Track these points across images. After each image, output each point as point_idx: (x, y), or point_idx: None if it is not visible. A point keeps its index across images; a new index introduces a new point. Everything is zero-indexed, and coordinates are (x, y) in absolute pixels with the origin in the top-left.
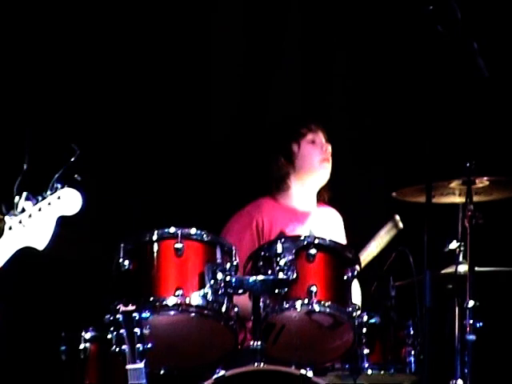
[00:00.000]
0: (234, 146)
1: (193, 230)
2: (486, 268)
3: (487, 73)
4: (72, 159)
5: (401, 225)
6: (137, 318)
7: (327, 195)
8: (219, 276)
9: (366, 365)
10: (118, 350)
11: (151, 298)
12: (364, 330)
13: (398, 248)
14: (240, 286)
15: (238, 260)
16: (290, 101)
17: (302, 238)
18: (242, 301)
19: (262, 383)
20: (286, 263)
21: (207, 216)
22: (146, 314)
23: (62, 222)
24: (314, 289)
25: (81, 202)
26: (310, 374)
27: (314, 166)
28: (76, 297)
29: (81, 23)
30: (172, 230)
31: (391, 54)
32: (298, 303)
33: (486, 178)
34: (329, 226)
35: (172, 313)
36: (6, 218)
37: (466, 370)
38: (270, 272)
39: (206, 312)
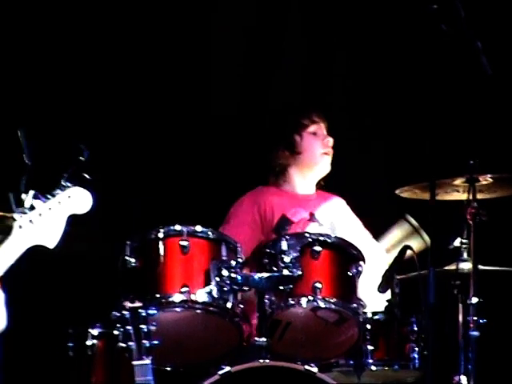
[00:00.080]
0: (234, 145)
1: (198, 228)
2: (490, 267)
3: (490, 71)
4: (81, 158)
5: (413, 222)
6: (143, 315)
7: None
8: (224, 273)
9: (370, 361)
10: (124, 346)
11: (157, 295)
12: (368, 326)
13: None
14: (245, 283)
15: (243, 257)
16: (289, 101)
17: (307, 235)
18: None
19: (267, 379)
20: (291, 260)
21: (208, 209)
22: (152, 311)
23: (69, 219)
24: (318, 285)
25: (91, 202)
26: (314, 369)
27: (316, 158)
28: (83, 293)
29: (82, 24)
30: (177, 227)
31: (391, 53)
32: (304, 300)
33: (489, 176)
34: (333, 212)
35: (178, 309)
36: (16, 215)
37: (470, 366)
38: (275, 269)
39: (211, 309)
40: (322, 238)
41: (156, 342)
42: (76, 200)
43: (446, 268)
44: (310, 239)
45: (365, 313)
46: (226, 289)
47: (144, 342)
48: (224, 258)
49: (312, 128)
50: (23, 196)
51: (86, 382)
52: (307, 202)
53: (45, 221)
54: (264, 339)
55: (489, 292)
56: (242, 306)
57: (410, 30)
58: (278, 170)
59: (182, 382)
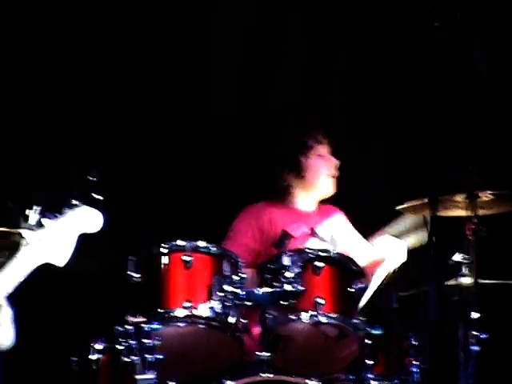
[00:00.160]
0: (234, 147)
1: (201, 243)
2: (490, 281)
3: (486, 73)
4: (92, 178)
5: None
6: (146, 330)
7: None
8: (227, 288)
9: (371, 376)
10: (128, 360)
11: (160, 310)
12: (368, 341)
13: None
14: (247, 298)
15: (244, 257)
16: (289, 101)
17: (309, 251)
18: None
19: None
20: (292, 276)
21: (208, 209)
22: (155, 326)
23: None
24: (320, 301)
25: (102, 221)
26: None
27: (321, 180)
28: (87, 308)
29: (82, 24)
30: (180, 242)
31: (391, 54)
32: (305, 315)
33: (489, 192)
34: (334, 226)
35: (181, 324)
36: (25, 232)
37: (470, 381)
38: (277, 284)
39: (213, 323)
40: (323, 254)
41: (159, 357)
42: (86, 219)
43: (447, 283)
44: (311, 255)
45: (364, 328)
46: (228, 304)
47: (147, 356)
48: (226, 274)
49: (318, 150)
50: (27, 212)
51: None
52: (308, 217)
53: (53, 239)
54: (266, 354)
55: (489, 306)
56: (243, 321)
57: (410, 30)
58: (282, 189)
59: None
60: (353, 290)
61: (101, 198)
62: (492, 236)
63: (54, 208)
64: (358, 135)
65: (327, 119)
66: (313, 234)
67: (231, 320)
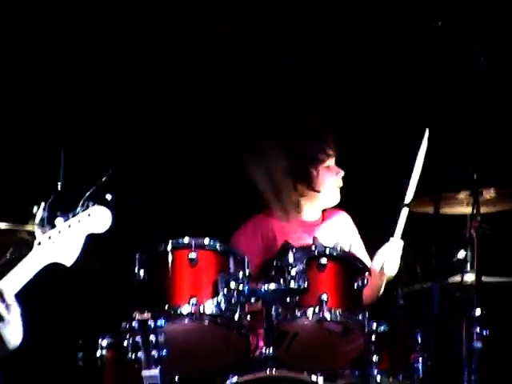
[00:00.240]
0: (234, 147)
1: (206, 240)
2: (492, 278)
3: (486, 73)
4: (103, 178)
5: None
6: (152, 326)
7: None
8: (232, 285)
9: (375, 371)
10: (133, 356)
11: (166, 307)
12: (373, 337)
13: (406, 258)
14: (252, 295)
15: (250, 269)
16: (289, 101)
17: (313, 248)
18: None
19: None
20: (297, 272)
21: (208, 209)
22: (161, 322)
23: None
24: (324, 297)
25: (110, 220)
26: (320, 380)
27: (329, 191)
28: (93, 305)
29: (82, 24)
30: (186, 240)
31: (392, 54)
32: (310, 311)
33: (492, 190)
34: (340, 230)
35: (186, 321)
36: (37, 232)
37: (473, 377)
38: (281, 281)
39: (219, 320)
40: (328, 251)
41: (164, 353)
42: (96, 219)
43: (450, 280)
44: (316, 252)
45: (369, 324)
46: (233, 301)
47: (153, 352)
48: (231, 271)
49: (327, 162)
50: (35, 209)
51: None
52: (312, 227)
53: (64, 239)
54: (271, 350)
55: (492, 302)
56: (249, 318)
57: (411, 30)
58: (291, 201)
59: None
60: (357, 287)
61: (110, 198)
62: (495, 234)
63: (65, 208)
64: (358, 135)
65: (327, 119)
66: (315, 243)
67: (237, 317)
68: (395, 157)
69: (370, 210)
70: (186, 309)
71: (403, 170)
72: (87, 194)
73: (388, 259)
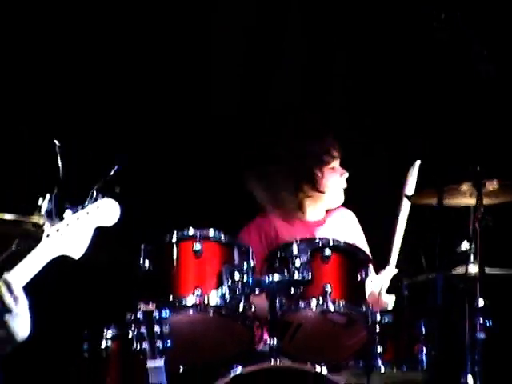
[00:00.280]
0: (233, 147)
1: (211, 232)
2: (496, 270)
3: (490, 73)
4: (112, 171)
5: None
6: (157, 317)
7: None
8: (236, 276)
9: (379, 362)
10: (138, 347)
11: (171, 298)
12: (377, 328)
13: (410, 249)
14: (257, 286)
15: (254, 261)
16: (289, 101)
17: (317, 239)
18: (259, 301)
19: (278, 380)
20: (301, 264)
21: (208, 210)
22: (165, 313)
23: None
24: (328, 289)
25: (119, 213)
26: (324, 371)
27: (333, 192)
28: (98, 296)
29: (83, 24)
30: (191, 231)
31: (391, 53)
32: (314, 302)
33: (495, 181)
34: (343, 229)
35: (191, 312)
36: (46, 225)
37: (476, 367)
38: (285, 272)
39: (223, 311)
40: (331, 243)
41: (169, 344)
42: (104, 211)
43: (454, 272)
44: (320, 244)
45: (373, 315)
46: (237, 292)
47: (158, 343)
48: (236, 262)
49: (331, 164)
50: (40, 200)
51: (101, 383)
52: (315, 227)
53: (72, 231)
54: (275, 341)
55: (495, 293)
56: (253, 309)
57: (410, 30)
58: (294, 201)
59: (195, 382)
60: (360, 278)
61: (118, 190)
62: (498, 225)
63: (73, 200)
64: (359, 135)
65: (327, 119)
66: None
67: (241, 308)
68: (395, 157)
69: (369, 210)
70: (190, 300)
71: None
72: (96, 187)
73: (384, 286)
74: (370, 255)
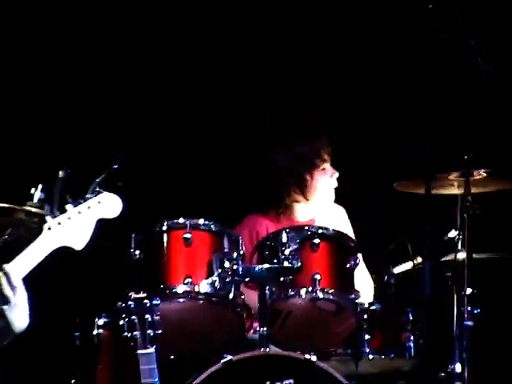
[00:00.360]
0: (233, 146)
1: (201, 221)
2: (482, 255)
3: (490, 73)
4: (115, 166)
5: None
6: (148, 305)
7: None
8: (227, 265)
9: (367, 350)
10: (129, 335)
11: (161, 286)
12: (365, 316)
13: (398, 237)
14: (246, 275)
15: (244, 249)
16: (289, 101)
17: (306, 228)
18: (248, 295)
19: (268, 367)
20: (290, 252)
21: (208, 209)
22: (156, 301)
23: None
24: (317, 277)
25: (120, 207)
26: (313, 358)
27: (323, 193)
28: (89, 285)
29: (83, 24)
30: (181, 220)
31: (391, 54)
32: (303, 291)
33: (483, 170)
34: (333, 222)
35: (181, 300)
36: (48, 218)
37: (465, 355)
38: (275, 261)
39: (214, 299)
40: (320, 231)
41: (160, 332)
42: (106, 205)
43: (441, 259)
44: (309, 232)
45: (362, 303)
46: (227, 280)
47: (148, 331)
48: (226, 251)
49: (322, 166)
50: (32, 190)
51: (92, 370)
52: None
53: (73, 224)
54: (265, 328)
55: (482, 281)
56: (243, 297)
57: (410, 30)
58: (285, 203)
59: (185, 370)
60: (349, 266)
61: (120, 184)
62: (486, 214)
63: (76, 193)
64: (358, 135)
65: (327, 119)
66: None
67: (231, 296)
68: (395, 157)
69: (369, 210)
70: (181, 288)
71: (403, 169)
72: (97, 181)
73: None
74: (357, 243)
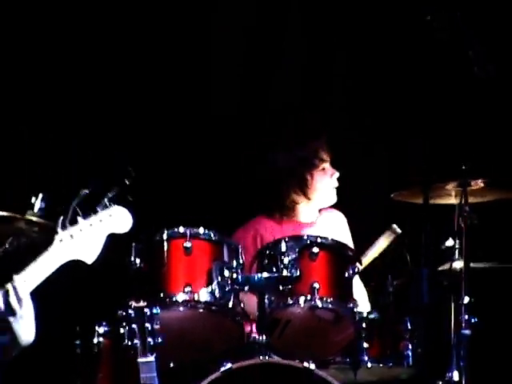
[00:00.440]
0: (233, 147)
1: (201, 230)
2: (480, 264)
3: (490, 73)
4: (126, 181)
5: (398, 231)
6: (148, 314)
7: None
8: (226, 273)
9: (366, 358)
10: (129, 344)
11: (161, 295)
12: (364, 324)
13: (396, 246)
14: (246, 283)
15: (244, 258)
16: (289, 101)
17: (305, 237)
18: (248, 300)
19: (267, 375)
20: (289, 261)
21: (208, 209)
22: (156, 310)
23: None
24: (316, 286)
25: (131, 222)
26: (312, 366)
27: (324, 193)
28: (90, 293)
29: (83, 24)
30: (181, 229)
31: (391, 53)
32: (302, 299)
33: (480, 180)
34: (333, 229)
35: (181, 308)
36: (59, 230)
37: (462, 363)
38: (274, 270)
39: (213, 308)
40: (319, 240)
41: (160, 340)
42: (116, 219)
43: (439, 268)
44: (308, 241)
45: (360, 312)
46: (227, 289)
47: (149, 339)
48: (226, 259)
49: (321, 166)
50: (33, 199)
51: (93, 379)
52: (308, 228)
53: (84, 237)
54: (264, 337)
55: (480, 290)
56: (242, 305)
57: (410, 30)
58: (287, 204)
59: (185, 378)
60: (348, 275)
61: (131, 199)
62: (483, 223)
63: (87, 207)
64: (358, 135)
65: (327, 119)
66: None
67: (230, 304)
68: (395, 157)
69: (369, 210)
70: (180, 297)
71: (403, 170)
72: (109, 195)
73: None
74: (356, 252)
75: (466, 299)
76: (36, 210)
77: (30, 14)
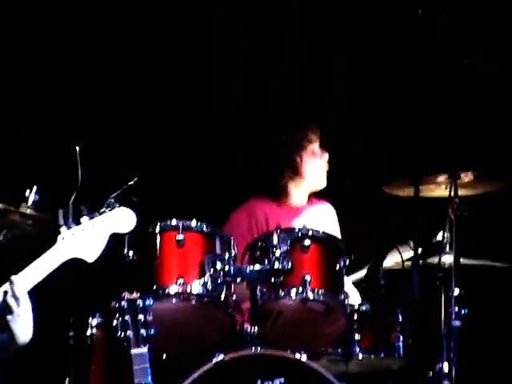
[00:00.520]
0: (233, 146)
1: (193, 222)
2: (471, 261)
3: (490, 73)
4: (131, 182)
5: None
6: (141, 306)
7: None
8: (218, 266)
9: (357, 349)
10: (122, 335)
11: (154, 287)
12: (355, 316)
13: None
14: (238, 275)
15: (236, 250)
16: (289, 101)
17: (297, 229)
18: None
19: (259, 366)
20: (281, 253)
21: (208, 209)
22: (149, 302)
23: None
24: (308, 278)
25: (134, 222)
26: (304, 358)
27: (314, 175)
28: (83, 285)
29: (83, 24)
30: (174, 222)
31: (391, 53)
32: (293, 291)
33: (470, 173)
34: (323, 219)
35: (174, 300)
36: (63, 228)
37: (452, 354)
38: (266, 262)
39: (205, 299)
40: (311, 233)
41: (153, 332)
42: (120, 220)
43: (430, 261)
44: (299, 234)
45: (351, 304)
46: (219, 281)
47: (141, 331)
48: (218, 252)
49: (310, 147)
50: (27, 192)
51: (86, 370)
52: (301, 211)
53: (87, 236)
54: (256, 328)
55: (469, 283)
56: (234, 297)
57: (410, 30)
58: (278, 186)
59: (178, 369)
60: (339, 268)
61: (135, 199)
62: (474, 216)
63: (92, 207)
64: (358, 135)
65: (327, 119)
66: None
67: (222, 296)
68: (395, 157)
69: (369, 210)
70: (173, 289)
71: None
72: (113, 195)
73: None
74: (347, 244)
75: (456, 291)
76: (30, 202)
77: (30, 14)
